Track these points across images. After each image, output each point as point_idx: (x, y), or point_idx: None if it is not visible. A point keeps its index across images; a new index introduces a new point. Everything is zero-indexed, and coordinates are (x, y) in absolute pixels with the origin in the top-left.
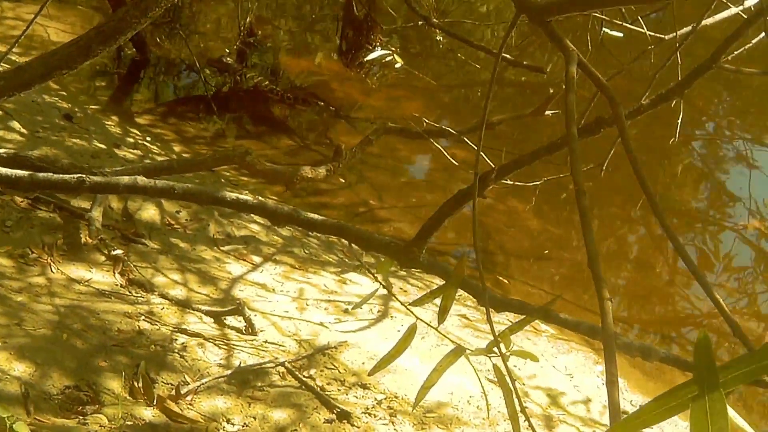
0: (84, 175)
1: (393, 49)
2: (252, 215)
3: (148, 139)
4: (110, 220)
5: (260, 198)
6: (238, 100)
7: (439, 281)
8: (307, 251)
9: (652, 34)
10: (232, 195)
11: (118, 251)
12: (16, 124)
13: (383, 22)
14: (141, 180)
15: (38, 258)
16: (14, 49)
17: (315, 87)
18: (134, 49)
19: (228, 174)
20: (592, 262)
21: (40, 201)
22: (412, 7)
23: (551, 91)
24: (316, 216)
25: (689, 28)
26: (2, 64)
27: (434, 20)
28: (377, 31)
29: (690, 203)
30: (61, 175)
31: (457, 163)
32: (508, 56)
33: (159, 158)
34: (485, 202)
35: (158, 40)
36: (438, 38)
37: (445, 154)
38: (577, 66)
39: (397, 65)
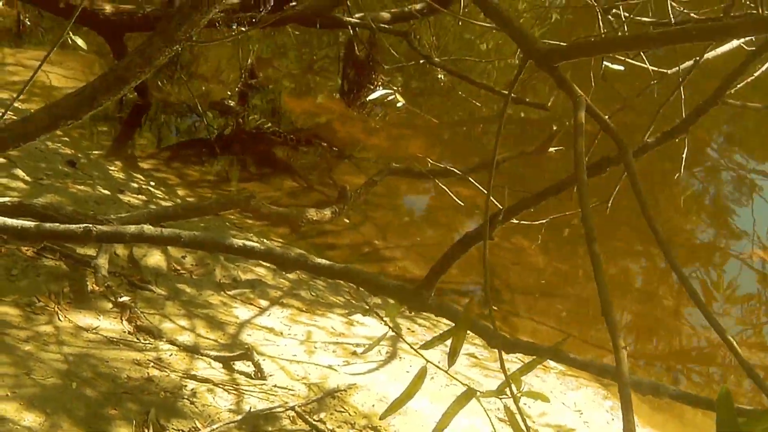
0: (91, 225)
1: (394, 88)
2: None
3: (152, 183)
4: (116, 266)
5: (267, 244)
6: (241, 143)
7: (447, 320)
8: (313, 294)
9: (655, 68)
10: (239, 242)
11: (125, 298)
12: (19, 172)
13: (384, 61)
14: (147, 229)
15: (45, 306)
16: (15, 95)
17: (317, 128)
18: (136, 94)
19: (233, 217)
20: (606, 310)
21: (45, 249)
22: (414, 47)
23: (554, 128)
24: (323, 261)
25: (691, 62)
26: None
27: (436, 59)
28: (378, 71)
29: (693, 233)
30: (67, 226)
31: (462, 203)
32: (512, 94)
33: (163, 203)
34: (491, 241)
35: (159, 83)
36: (439, 76)
37: (450, 193)
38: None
39: (399, 104)
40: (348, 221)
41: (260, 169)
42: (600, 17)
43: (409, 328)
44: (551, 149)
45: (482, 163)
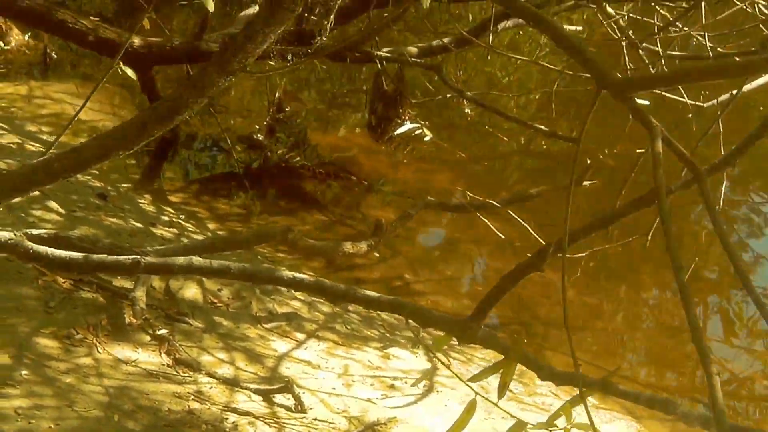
0: (139, 257)
1: (422, 122)
2: (292, 291)
3: (182, 217)
4: (153, 299)
5: (317, 277)
6: (269, 177)
7: (480, 352)
8: (348, 327)
9: (692, 102)
10: (288, 274)
11: (163, 331)
12: (53, 204)
13: (410, 95)
14: (197, 260)
15: (83, 339)
16: (45, 129)
17: (345, 161)
18: None
19: (264, 251)
20: (697, 337)
21: (82, 281)
22: (447, 81)
23: (588, 161)
24: (372, 293)
25: (728, 95)
26: (35, 143)
27: (468, 93)
28: (406, 105)
29: (713, 266)
30: (116, 257)
31: (503, 236)
32: (542, 127)
33: (195, 236)
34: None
35: (187, 117)
36: (466, 110)
37: (492, 227)
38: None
39: (427, 138)
40: (378, 255)
41: (289, 203)
42: (626, 52)
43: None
44: (585, 183)
45: (517, 196)
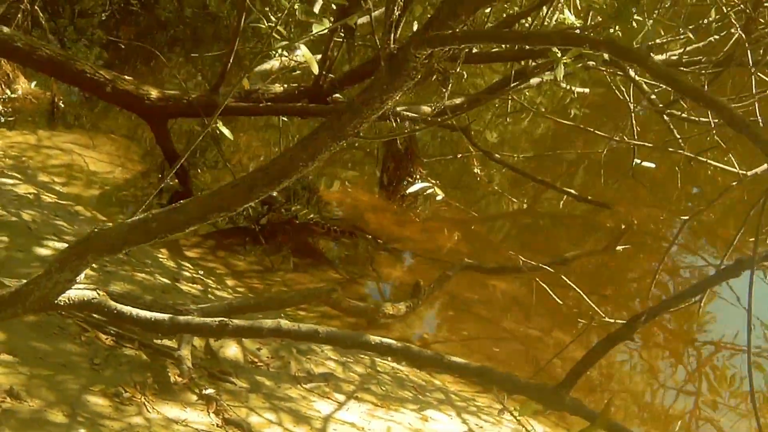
0: (226, 320)
1: (433, 181)
2: (326, 351)
3: (201, 272)
4: (195, 358)
5: (404, 343)
6: (284, 233)
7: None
8: (383, 388)
9: (743, 172)
10: (375, 339)
11: (210, 390)
12: None
13: (422, 154)
14: (284, 323)
15: (132, 397)
16: (57, 180)
17: (358, 219)
18: (176, 180)
19: (287, 310)
20: None
21: (123, 338)
22: (472, 141)
23: (623, 226)
24: (458, 360)
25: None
26: (50, 194)
27: (496, 155)
28: (417, 164)
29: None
30: (202, 319)
31: (561, 302)
32: (572, 191)
33: (218, 293)
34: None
35: (199, 171)
36: (475, 170)
37: (549, 291)
38: None
39: (438, 197)
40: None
41: (303, 260)
42: (633, 113)
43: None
44: (618, 248)
45: (557, 260)
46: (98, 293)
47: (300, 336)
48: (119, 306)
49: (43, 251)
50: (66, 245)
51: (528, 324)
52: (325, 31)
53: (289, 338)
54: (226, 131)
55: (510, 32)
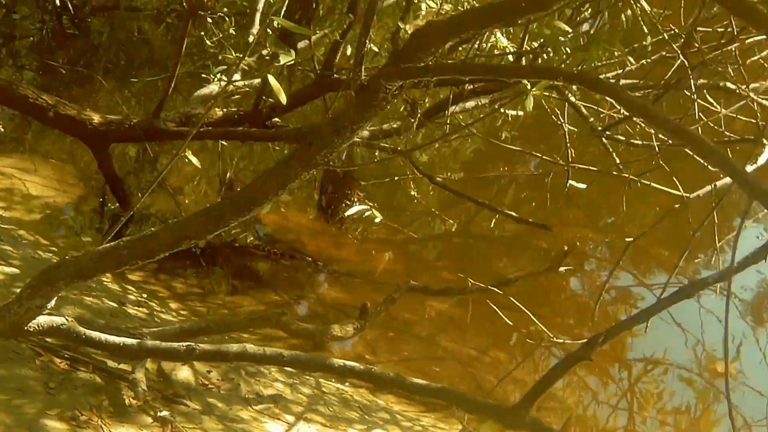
0: (193, 344)
1: (371, 203)
2: (274, 373)
3: (145, 296)
4: (148, 380)
5: (366, 366)
6: (224, 256)
7: None
8: (330, 409)
9: (686, 195)
10: (339, 362)
11: (165, 413)
12: None
13: (360, 177)
14: (250, 348)
15: (89, 420)
16: None
17: (297, 242)
18: (117, 204)
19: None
20: None
21: (78, 362)
22: (417, 167)
23: (565, 248)
24: (420, 381)
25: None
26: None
27: (438, 178)
28: (355, 186)
29: None
30: (170, 344)
31: (510, 323)
32: (513, 213)
33: (163, 316)
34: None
35: (140, 194)
36: (412, 192)
37: (500, 314)
38: None
39: (377, 220)
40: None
41: (243, 283)
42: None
43: None
44: (561, 269)
45: (500, 281)
46: (67, 319)
47: (265, 360)
48: (87, 331)
49: None
50: (13, 269)
51: (465, 343)
52: (291, 62)
53: (255, 362)
54: (194, 160)
55: (482, 65)
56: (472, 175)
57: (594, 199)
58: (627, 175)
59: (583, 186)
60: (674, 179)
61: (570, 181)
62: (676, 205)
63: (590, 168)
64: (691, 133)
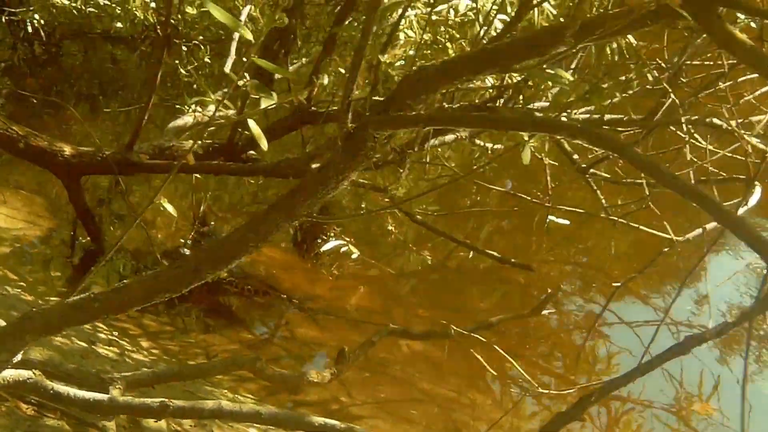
0: (166, 400)
1: (348, 239)
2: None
3: (116, 334)
4: (118, 427)
5: (348, 424)
6: (197, 293)
7: None
8: None
9: (676, 238)
10: (319, 420)
11: None
12: (1, 322)
13: (336, 210)
14: (226, 404)
15: None
16: None
17: (272, 278)
18: (89, 238)
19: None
20: None
21: (45, 408)
22: (393, 199)
23: (549, 290)
24: None
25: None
26: None
27: (418, 217)
28: (329, 223)
29: None
30: (142, 400)
31: (494, 372)
32: (495, 253)
33: (134, 356)
34: None
35: (111, 228)
36: (389, 227)
37: (482, 361)
38: None
39: (354, 256)
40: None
41: (217, 320)
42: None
43: None
44: (544, 312)
45: (481, 325)
46: (34, 373)
47: (241, 417)
48: (56, 386)
49: None
50: None
51: (442, 384)
52: (273, 105)
53: (231, 420)
54: (170, 208)
55: (479, 117)
56: (446, 207)
57: (573, 233)
58: (614, 218)
59: (566, 222)
60: (664, 223)
61: (550, 217)
62: (665, 249)
63: (576, 210)
64: (706, 195)
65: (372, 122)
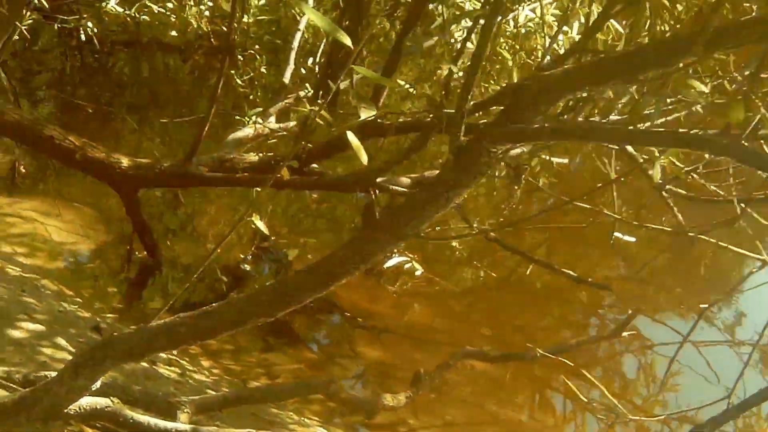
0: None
1: (411, 255)
2: None
3: (175, 353)
4: None
5: None
6: None
7: None
8: None
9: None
10: None
11: None
12: (61, 341)
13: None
14: None
15: None
16: (20, 250)
17: (334, 295)
18: (145, 252)
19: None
20: None
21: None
22: (465, 218)
23: (630, 311)
24: None
25: None
26: (14, 267)
27: (492, 233)
28: None
29: None
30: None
31: (585, 399)
32: (572, 273)
33: (196, 376)
34: None
35: (168, 243)
36: (453, 244)
37: (572, 386)
38: None
39: (417, 273)
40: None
41: (278, 338)
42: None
43: None
44: (624, 334)
45: (561, 347)
46: (112, 401)
47: None
48: (135, 415)
49: (16, 333)
50: (38, 326)
51: (510, 406)
52: (372, 117)
53: None
54: (261, 225)
55: (613, 130)
56: (506, 221)
57: (638, 251)
58: (695, 234)
59: (632, 239)
60: (757, 242)
61: (615, 233)
62: (755, 270)
63: (651, 226)
64: None
65: (488, 135)
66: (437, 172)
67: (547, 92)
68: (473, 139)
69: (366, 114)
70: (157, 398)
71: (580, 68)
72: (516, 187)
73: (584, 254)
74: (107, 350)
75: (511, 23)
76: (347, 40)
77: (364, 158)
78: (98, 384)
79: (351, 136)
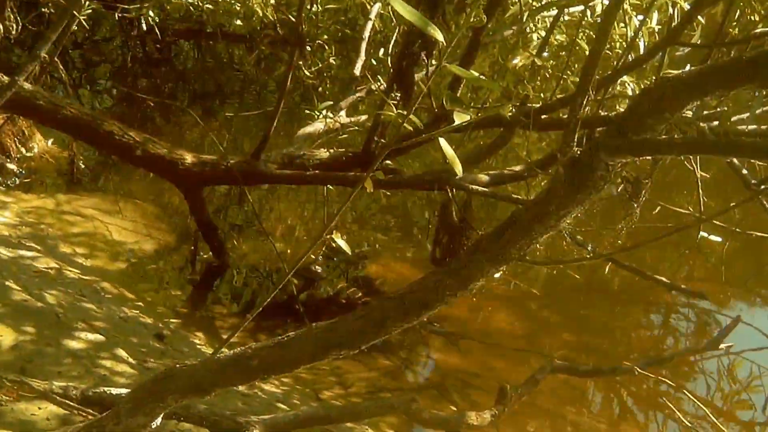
0: None
1: None
2: None
3: None
4: None
5: None
6: (328, 313)
7: None
8: None
9: None
10: None
11: None
12: (121, 352)
13: (477, 227)
14: None
15: None
16: (80, 251)
17: None
18: (210, 254)
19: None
20: None
21: None
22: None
23: (729, 321)
24: None
25: None
26: (72, 269)
27: (578, 237)
28: (472, 237)
29: None
30: None
31: (690, 425)
32: (664, 279)
33: (265, 387)
34: None
35: (235, 243)
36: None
37: (671, 406)
38: None
39: (497, 275)
40: (454, 409)
41: None
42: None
43: None
44: (722, 345)
45: (654, 359)
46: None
47: None
48: None
49: (74, 344)
50: (98, 336)
51: (592, 416)
52: (466, 122)
53: None
54: (343, 245)
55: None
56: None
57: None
58: None
59: (718, 239)
60: None
61: (702, 233)
62: None
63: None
64: None
65: (606, 147)
66: (518, 168)
67: (671, 98)
68: (588, 152)
69: (460, 119)
70: (224, 417)
71: (711, 70)
72: (636, 204)
73: (664, 255)
74: (169, 384)
75: (588, 13)
76: (439, 36)
77: (459, 169)
78: (158, 421)
79: (444, 145)
